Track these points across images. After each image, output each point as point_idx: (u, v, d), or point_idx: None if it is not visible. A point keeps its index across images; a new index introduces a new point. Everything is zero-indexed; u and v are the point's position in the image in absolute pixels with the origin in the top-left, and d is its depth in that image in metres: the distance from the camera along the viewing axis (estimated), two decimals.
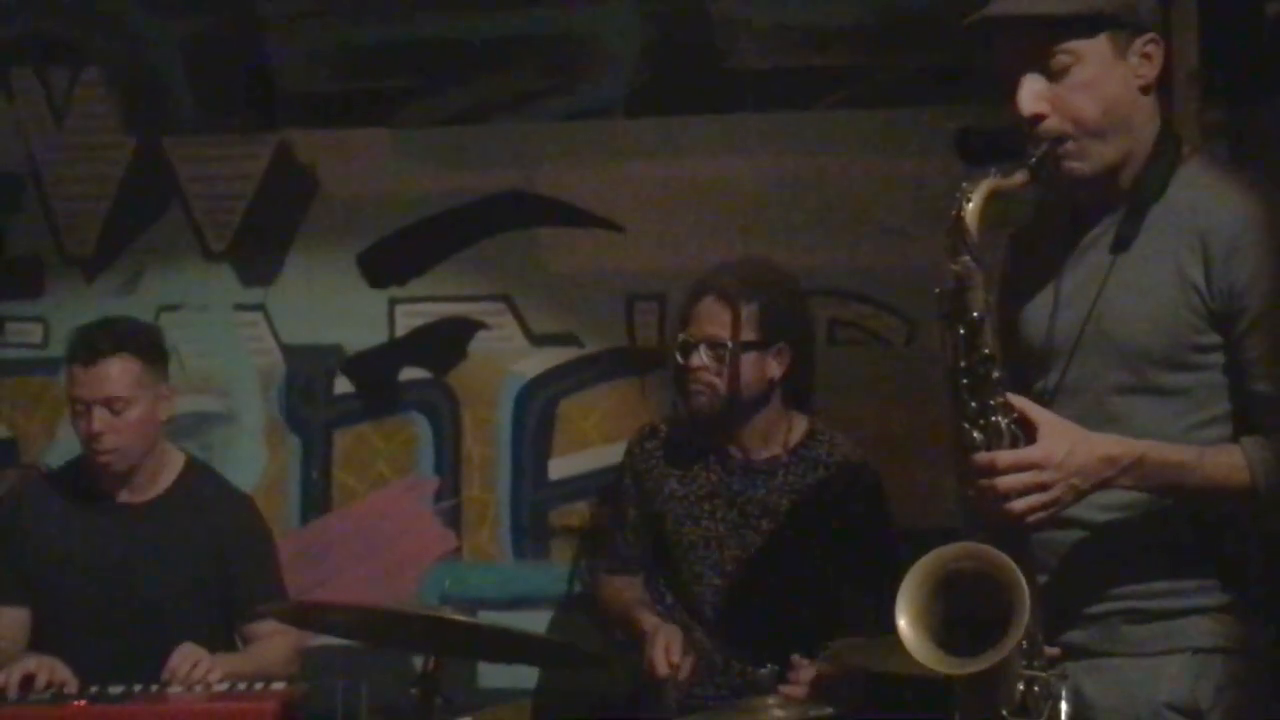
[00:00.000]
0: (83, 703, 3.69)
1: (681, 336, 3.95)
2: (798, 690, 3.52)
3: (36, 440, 4.74)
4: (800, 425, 4.03)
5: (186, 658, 3.85)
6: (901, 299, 4.49)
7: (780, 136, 4.56)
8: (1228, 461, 2.65)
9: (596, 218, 4.64)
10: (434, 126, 4.70)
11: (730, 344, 3.88)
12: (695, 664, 3.78)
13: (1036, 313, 2.87)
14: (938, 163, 4.35)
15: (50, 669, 3.82)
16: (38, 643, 4.06)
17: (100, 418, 4.02)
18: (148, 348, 4.13)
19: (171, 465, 4.21)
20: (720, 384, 3.90)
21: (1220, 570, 2.74)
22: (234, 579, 4.14)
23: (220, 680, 3.82)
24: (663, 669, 3.72)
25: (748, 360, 3.89)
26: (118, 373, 4.03)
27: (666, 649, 3.73)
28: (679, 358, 3.95)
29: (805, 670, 3.56)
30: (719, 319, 3.90)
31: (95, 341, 4.07)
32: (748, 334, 3.89)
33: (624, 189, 4.62)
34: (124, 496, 4.15)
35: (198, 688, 3.79)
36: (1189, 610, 2.73)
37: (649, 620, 3.89)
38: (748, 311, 3.90)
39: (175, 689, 3.79)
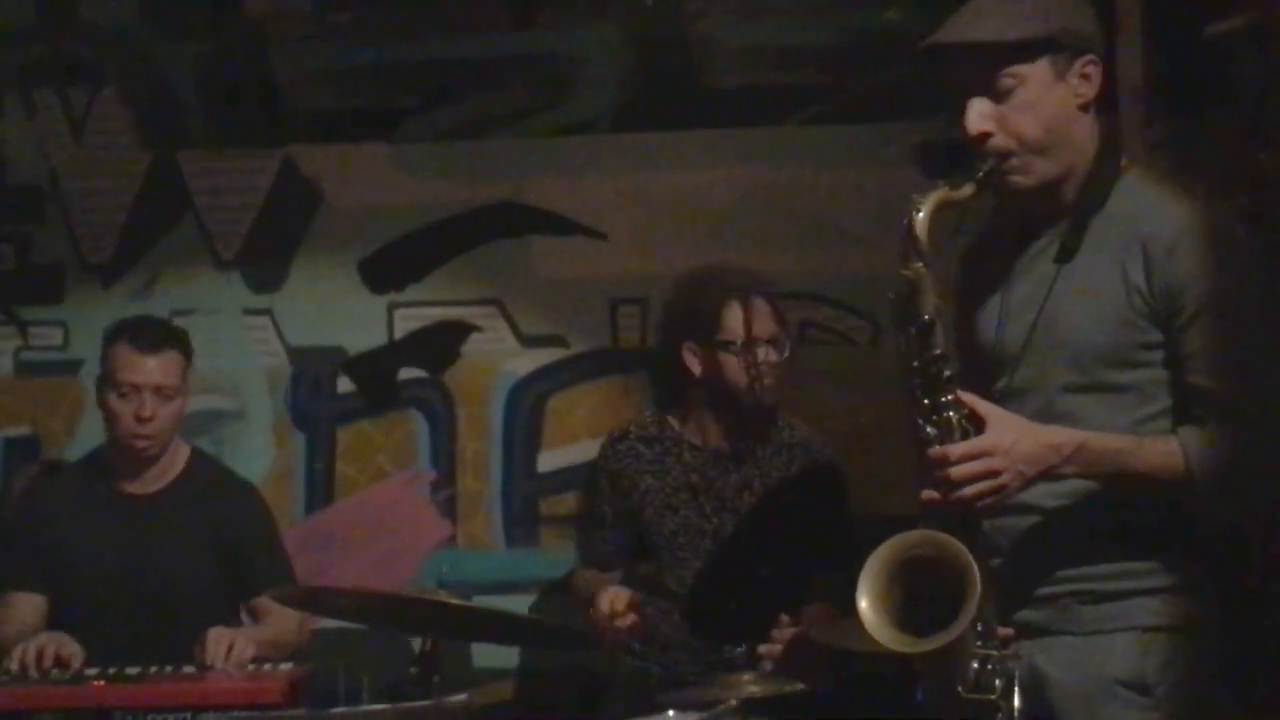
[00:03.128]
0: (101, 683, 3.68)
1: (742, 337, 3.91)
2: (775, 649, 3.54)
3: (57, 437, 4.74)
4: None
5: (220, 640, 3.84)
6: (866, 302, 4.50)
7: (753, 151, 4.57)
8: (1163, 450, 2.66)
9: (582, 227, 4.64)
10: (430, 142, 4.71)
11: (789, 340, 3.96)
12: (640, 623, 3.78)
13: (988, 320, 2.88)
14: (901, 175, 4.35)
15: (58, 643, 3.81)
16: (54, 627, 4.03)
17: (150, 403, 4.02)
18: (189, 347, 4.17)
19: (178, 457, 4.20)
20: (784, 376, 3.95)
21: (1166, 552, 2.74)
22: (242, 561, 4.13)
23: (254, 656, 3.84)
24: (604, 608, 3.72)
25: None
26: (172, 364, 4.06)
27: (611, 599, 3.75)
28: (741, 357, 3.90)
29: (787, 629, 3.58)
30: (772, 318, 3.95)
31: (155, 332, 4.10)
32: (784, 332, 3.96)
33: (608, 200, 4.63)
34: (134, 488, 4.15)
35: (232, 666, 3.79)
36: (1137, 591, 2.73)
37: (603, 585, 3.90)
38: (779, 310, 3.97)
39: (189, 669, 3.80)
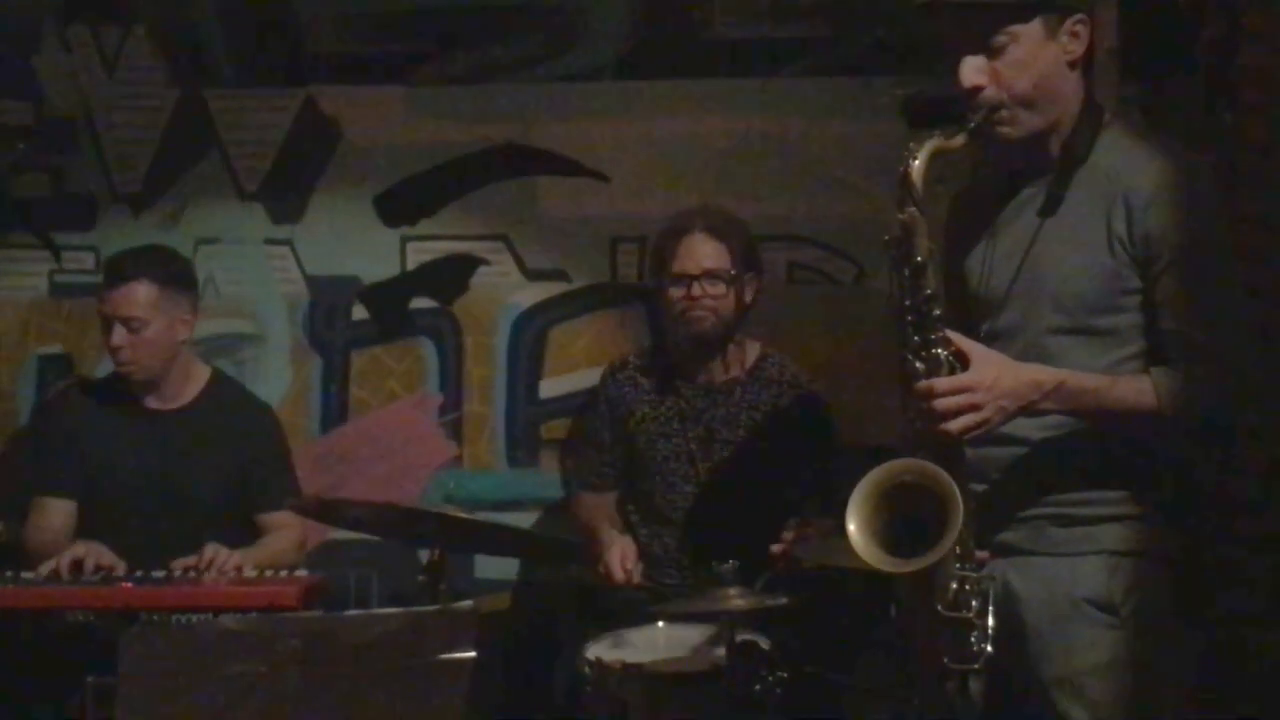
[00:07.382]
0: (129, 585, 3.69)
1: (676, 269, 3.91)
2: (784, 547, 3.51)
3: (89, 356, 4.70)
4: (754, 350, 4.05)
5: (215, 554, 3.82)
6: (851, 244, 4.47)
7: (748, 100, 4.53)
8: (1137, 388, 2.67)
9: (585, 168, 4.60)
10: (444, 85, 4.65)
11: (732, 272, 3.88)
12: (646, 569, 3.83)
13: (976, 265, 2.87)
14: (885, 126, 4.32)
15: (97, 553, 3.80)
16: (82, 532, 4.04)
17: (119, 333, 3.99)
18: (167, 274, 4.07)
19: (198, 377, 4.18)
20: (722, 309, 3.90)
21: (1135, 483, 2.75)
22: (253, 476, 4.12)
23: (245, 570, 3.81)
24: (619, 575, 3.75)
25: (739, 288, 3.90)
26: (136, 295, 3.99)
27: (621, 558, 3.77)
28: (674, 289, 3.91)
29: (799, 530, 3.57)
30: (716, 253, 3.90)
31: (121, 267, 4.05)
32: (737, 266, 3.89)
33: (610, 144, 4.59)
34: (155, 404, 4.13)
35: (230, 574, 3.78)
36: (1107, 517, 2.74)
37: (608, 533, 3.91)
38: (733, 246, 3.90)
39: (211, 574, 3.79)
